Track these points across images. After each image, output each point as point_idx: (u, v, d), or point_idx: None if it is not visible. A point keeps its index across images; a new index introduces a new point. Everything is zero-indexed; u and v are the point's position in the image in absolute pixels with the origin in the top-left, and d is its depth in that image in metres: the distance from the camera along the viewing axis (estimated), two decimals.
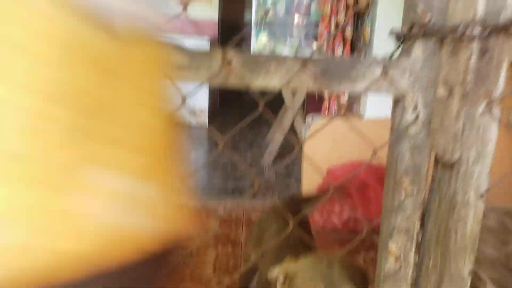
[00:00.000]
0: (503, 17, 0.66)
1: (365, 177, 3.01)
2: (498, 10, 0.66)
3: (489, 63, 0.68)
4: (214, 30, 5.44)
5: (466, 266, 0.76)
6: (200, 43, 5.01)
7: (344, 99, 3.33)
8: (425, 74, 0.72)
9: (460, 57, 0.67)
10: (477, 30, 0.65)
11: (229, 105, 6.58)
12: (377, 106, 3.17)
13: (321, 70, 0.73)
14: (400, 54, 0.74)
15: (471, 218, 0.74)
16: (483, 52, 0.67)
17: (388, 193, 0.81)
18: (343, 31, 3.21)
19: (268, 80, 0.73)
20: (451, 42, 0.68)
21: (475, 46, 0.67)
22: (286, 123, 4.13)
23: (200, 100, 5.46)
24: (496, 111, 0.69)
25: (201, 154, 4.77)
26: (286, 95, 4.00)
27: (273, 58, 0.73)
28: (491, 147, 0.71)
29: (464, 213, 0.74)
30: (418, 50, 0.71)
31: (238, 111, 6.44)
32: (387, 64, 0.72)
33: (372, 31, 3.01)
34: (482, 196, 0.73)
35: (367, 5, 3.07)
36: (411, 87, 0.73)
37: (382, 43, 2.96)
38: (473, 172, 0.72)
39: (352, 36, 3.23)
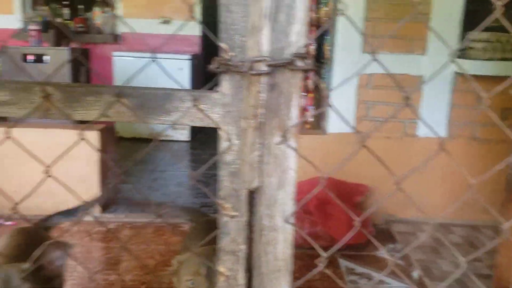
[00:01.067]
0: (287, 53, 0.71)
1: (325, 193, 3.04)
2: (283, 47, 0.71)
3: (279, 97, 0.72)
4: (198, 46, 5.52)
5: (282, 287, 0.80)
6: (183, 60, 5.10)
7: (309, 115, 3.38)
8: (235, 107, 0.77)
9: (251, 92, 0.72)
10: (263, 66, 0.70)
11: None
12: (340, 122, 3.22)
13: (137, 104, 0.78)
14: (212, 88, 0.78)
15: (280, 241, 0.78)
16: (272, 86, 0.72)
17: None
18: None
19: (87, 113, 0.78)
20: (247, 78, 0.73)
21: (264, 81, 0.71)
22: None
23: None
24: (292, 141, 0.74)
25: (179, 169, 4.83)
26: None
27: (92, 91, 0.78)
28: (291, 174, 0.76)
29: (272, 236, 0.78)
30: (226, 85, 0.76)
31: None
32: (198, 98, 0.77)
33: (332, 48, 3.07)
34: (287, 220, 0.77)
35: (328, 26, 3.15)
36: (223, 119, 0.77)
37: (341, 58, 3.04)
38: (277, 198, 0.76)
39: (315, 53, 3.32)
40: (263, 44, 0.70)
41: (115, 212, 3.42)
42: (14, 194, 3.19)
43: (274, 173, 0.75)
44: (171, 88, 0.79)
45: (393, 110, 3.07)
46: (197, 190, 3.99)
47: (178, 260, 1.28)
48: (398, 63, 2.96)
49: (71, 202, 3.28)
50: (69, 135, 3.19)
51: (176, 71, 4.98)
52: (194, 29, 5.36)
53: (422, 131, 3.07)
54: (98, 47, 5.13)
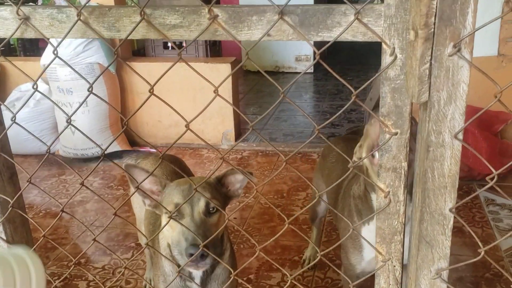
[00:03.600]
0: None
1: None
2: None
3: (453, 3, 0.67)
4: None
5: (446, 204, 0.79)
6: None
7: None
8: (400, 19, 0.74)
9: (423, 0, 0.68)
10: None
11: (334, 52, 6.50)
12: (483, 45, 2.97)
13: (299, 20, 0.78)
14: (375, 0, 0.76)
15: (448, 158, 0.76)
16: None
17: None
18: None
19: (251, 33, 0.80)
20: None
21: None
22: None
23: (306, 47, 5.47)
24: (466, 52, 0.69)
25: (305, 100, 4.85)
26: None
27: (255, 11, 0.79)
28: (463, 88, 0.72)
29: (439, 153, 0.76)
30: None
31: (344, 59, 6.38)
32: (362, 11, 0.75)
33: None
34: (456, 136, 0.74)
35: None
36: (387, 32, 0.75)
37: None
38: (446, 113, 0.73)
39: None
40: None
41: (248, 141, 3.58)
42: (158, 124, 3.52)
43: (444, 87, 0.72)
44: (333, 3, 0.78)
45: None
46: (324, 121, 4.00)
47: None
48: None
49: (207, 133, 3.50)
50: (202, 68, 3.34)
51: None
52: None
53: None
54: None
